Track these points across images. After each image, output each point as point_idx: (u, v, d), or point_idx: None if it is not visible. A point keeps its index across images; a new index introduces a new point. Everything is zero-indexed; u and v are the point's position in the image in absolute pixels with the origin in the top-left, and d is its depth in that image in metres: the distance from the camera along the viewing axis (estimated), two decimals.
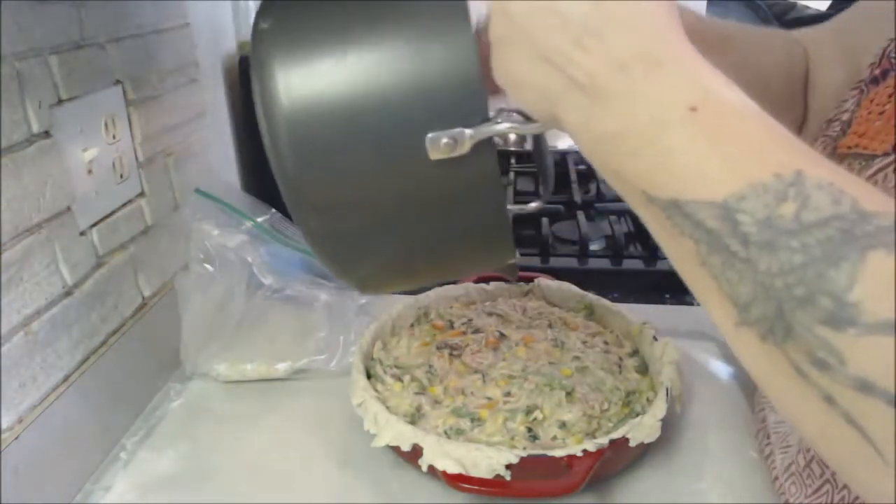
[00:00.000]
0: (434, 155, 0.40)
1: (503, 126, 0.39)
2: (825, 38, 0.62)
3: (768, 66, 0.62)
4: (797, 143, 0.32)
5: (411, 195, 0.43)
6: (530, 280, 0.86)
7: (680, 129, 0.32)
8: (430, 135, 0.39)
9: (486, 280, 0.86)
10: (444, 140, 0.39)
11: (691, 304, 0.92)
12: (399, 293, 0.90)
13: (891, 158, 0.43)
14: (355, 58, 0.40)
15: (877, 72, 0.50)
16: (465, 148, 0.39)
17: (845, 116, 0.51)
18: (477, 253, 0.49)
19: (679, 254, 0.34)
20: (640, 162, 0.34)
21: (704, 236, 0.32)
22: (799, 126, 0.64)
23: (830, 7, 2.89)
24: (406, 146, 0.40)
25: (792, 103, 0.63)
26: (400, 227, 0.45)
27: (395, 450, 0.62)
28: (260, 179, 1.11)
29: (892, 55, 0.49)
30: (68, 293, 0.65)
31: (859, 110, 0.49)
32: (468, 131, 0.39)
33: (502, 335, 0.76)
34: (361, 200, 0.43)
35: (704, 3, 1.38)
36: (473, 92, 0.39)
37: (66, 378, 0.64)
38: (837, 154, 0.49)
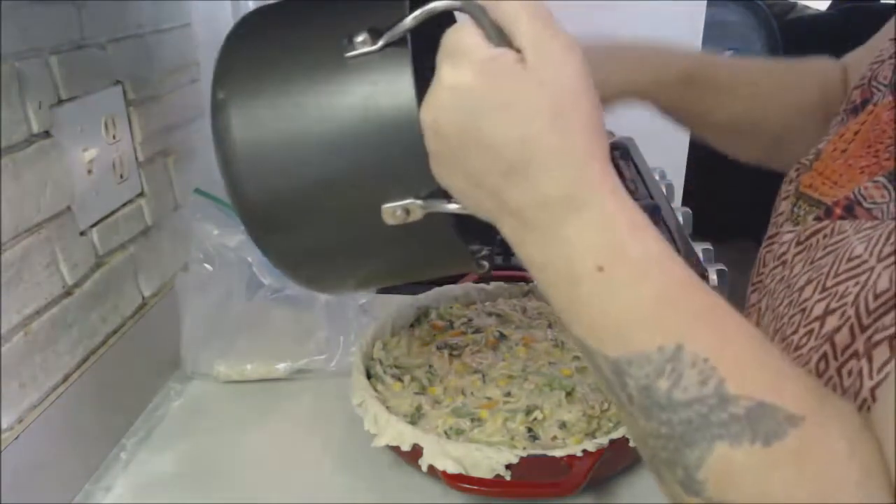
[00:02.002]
0: (389, 222, 0.42)
1: (453, 206, 0.41)
2: (861, 57, 0.62)
3: (787, 101, 0.64)
4: (695, 299, 0.34)
5: (371, 248, 0.46)
6: (530, 280, 0.86)
7: (587, 285, 0.35)
8: (384, 206, 0.42)
9: (486, 280, 0.86)
10: (398, 211, 0.42)
11: None
12: (398, 293, 0.90)
13: (824, 223, 0.42)
14: (307, 135, 0.43)
15: (857, 100, 0.48)
16: (417, 216, 0.42)
17: (822, 144, 0.49)
18: (441, 271, 0.53)
19: None
20: (557, 296, 0.37)
21: (603, 380, 0.36)
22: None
23: (830, 7, 2.90)
24: (363, 214, 0.43)
25: (805, 141, 0.62)
26: (361, 265, 0.49)
27: (395, 450, 0.62)
28: None
29: (876, 80, 0.48)
30: (68, 293, 0.65)
31: (831, 142, 0.48)
32: (419, 203, 0.42)
33: (502, 335, 0.76)
34: (321, 249, 0.47)
35: (704, 3, 1.38)
36: (421, 167, 0.40)
37: (66, 378, 0.64)
38: (798, 191, 0.48)
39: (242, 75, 0.44)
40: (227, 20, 1.04)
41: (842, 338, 0.36)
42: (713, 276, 0.95)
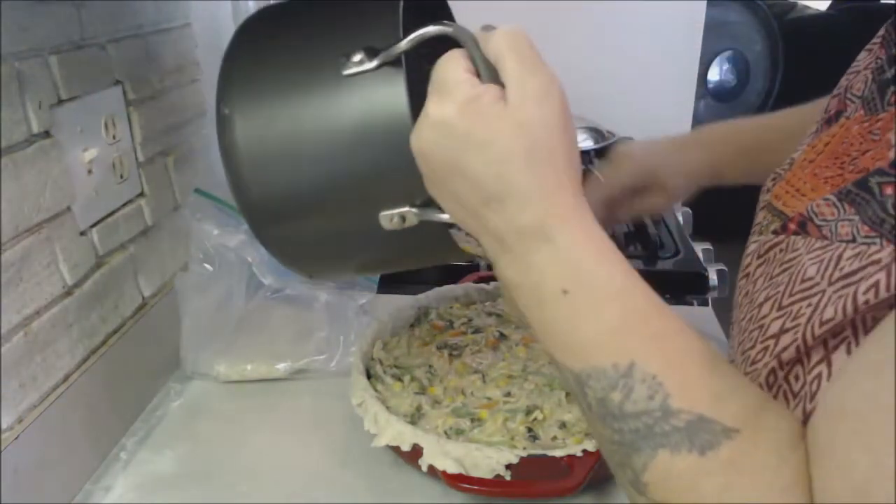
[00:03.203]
0: (387, 227, 0.45)
1: (446, 216, 0.44)
2: None
3: None
4: (651, 324, 0.38)
5: (369, 247, 0.49)
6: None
7: (553, 307, 0.38)
8: (382, 213, 0.44)
9: (486, 280, 0.87)
10: (395, 219, 0.44)
11: (691, 303, 0.92)
12: (398, 293, 0.90)
13: (780, 238, 0.43)
14: (307, 148, 0.45)
15: (832, 112, 0.49)
16: (413, 223, 0.44)
17: (796, 154, 0.50)
18: (434, 262, 0.56)
19: None
20: (528, 313, 0.40)
21: (568, 387, 0.40)
22: None
23: (830, 7, 2.90)
24: (361, 220, 0.45)
25: None
26: (358, 260, 0.52)
27: (395, 450, 0.62)
28: None
29: (850, 92, 0.48)
30: (68, 293, 0.65)
31: (803, 152, 0.48)
32: (414, 211, 0.44)
33: (502, 335, 0.76)
34: (321, 249, 0.50)
35: (704, 3, 1.38)
36: (415, 178, 0.42)
37: (66, 378, 0.64)
38: (769, 203, 0.49)
39: (245, 91, 0.47)
40: (227, 20, 1.04)
41: (787, 354, 0.38)
42: (713, 276, 0.95)
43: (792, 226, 0.42)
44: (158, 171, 0.80)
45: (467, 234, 0.50)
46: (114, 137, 0.71)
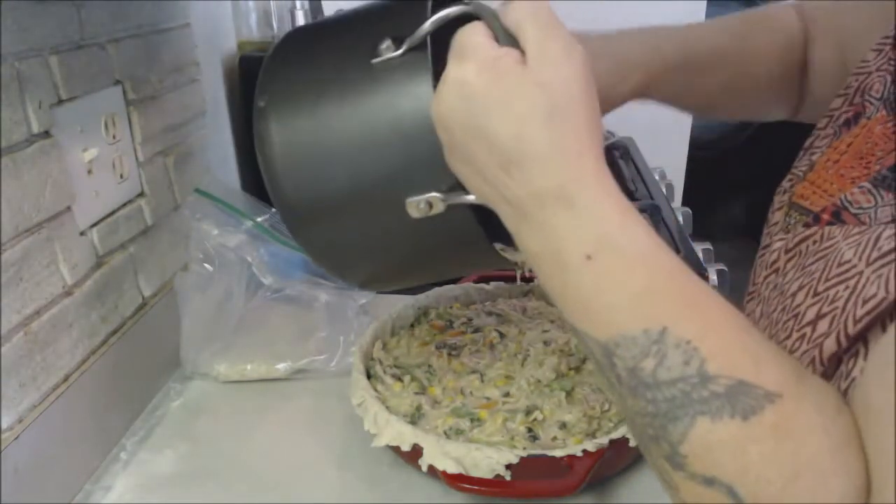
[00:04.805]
0: (414, 215, 0.45)
1: (471, 198, 0.44)
2: (817, 15, 0.63)
3: (760, 72, 0.66)
4: (680, 288, 0.36)
5: (399, 241, 0.49)
6: (530, 280, 0.86)
7: (576, 274, 0.37)
8: (408, 199, 0.45)
9: (487, 280, 0.86)
10: (421, 204, 0.45)
11: None
12: (399, 293, 0.90)
13: (813, 230, 0.43)
14: (339, 136, 0.46)
15: (849, 114, 0.49)
16: (439, 209, 0.45)
17: (815, 156, 0.50)
18: (468, 267, 0.55)
19: None
20: (550, 282, 0.39)
21: (595, 362, 0.38)
22: (795, 111, 0.67)
23: None
24: (390, 207, 0.46)
25: (789, 92, 0.65)
26: (392, 257, 0.52)
27: (395, 450, 0.62)
28: (260, 179, 1.11)
29: (868, 94, 0.48)
30: (68, 293, 0.65)
31: (825, 154, 0.48)
32: (440, 196, 0.44)
33: (501, 335, 0.76)
34: (353, 241, 0.50)
35: (704, 3, 1.38)
36: (441, 162, 0.42)
37: (66, 378, 0.64)
38: (790, 202, 0.48)
39: (281, 85, 0.48)
40: (227, 20, 1.05)
41: (829, 343, 0.36)
42: (713, 276, 0.95)
43: (825, 216, 0.42)
44: (158, 171, 0.80)
45: (503, 248, 0.51)
46: (114, 137, 0.71)
